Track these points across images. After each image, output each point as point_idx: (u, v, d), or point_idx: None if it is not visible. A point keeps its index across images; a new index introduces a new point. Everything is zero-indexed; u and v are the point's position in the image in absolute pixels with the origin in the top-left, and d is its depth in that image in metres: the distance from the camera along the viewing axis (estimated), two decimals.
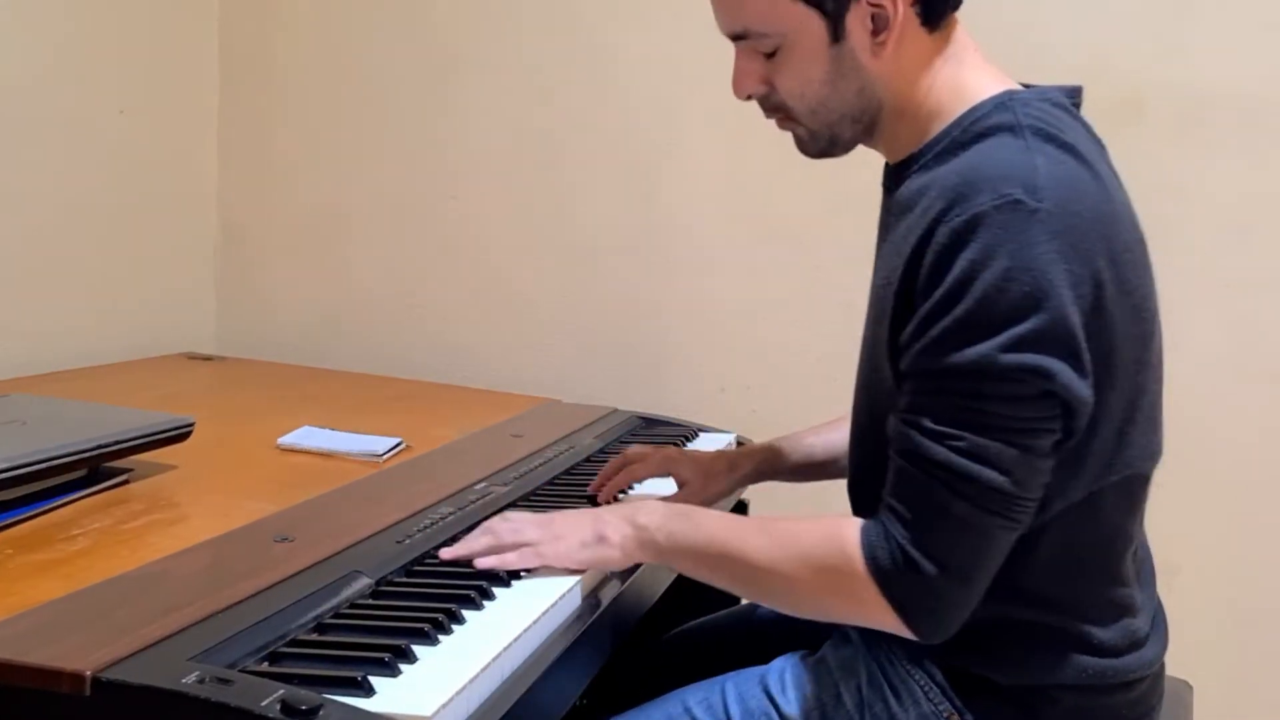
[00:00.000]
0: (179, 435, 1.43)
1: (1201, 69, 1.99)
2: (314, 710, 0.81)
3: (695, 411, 2.12)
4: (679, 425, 1.96)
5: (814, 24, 1.11)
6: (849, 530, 1.07)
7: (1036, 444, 1.02)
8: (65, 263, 2.17)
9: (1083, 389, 1.01)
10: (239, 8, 2.50)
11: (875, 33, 1.11)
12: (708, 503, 1.44)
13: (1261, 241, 2.00)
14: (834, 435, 1.48)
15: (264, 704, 0.81)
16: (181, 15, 2.42)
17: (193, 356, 2.34)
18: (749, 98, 1.19)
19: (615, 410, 2.02)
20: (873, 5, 1.10)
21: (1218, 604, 2.04)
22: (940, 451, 1.02)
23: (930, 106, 1.13)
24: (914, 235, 1.06)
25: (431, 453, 1.64)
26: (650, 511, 1.18)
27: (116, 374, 2.06)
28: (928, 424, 1.03)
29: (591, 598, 1.20)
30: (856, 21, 1.10)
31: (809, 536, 1.09)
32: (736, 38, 1.16)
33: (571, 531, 1.19)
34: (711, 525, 1.15)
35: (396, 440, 1.63)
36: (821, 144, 1.19)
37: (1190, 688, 1.41)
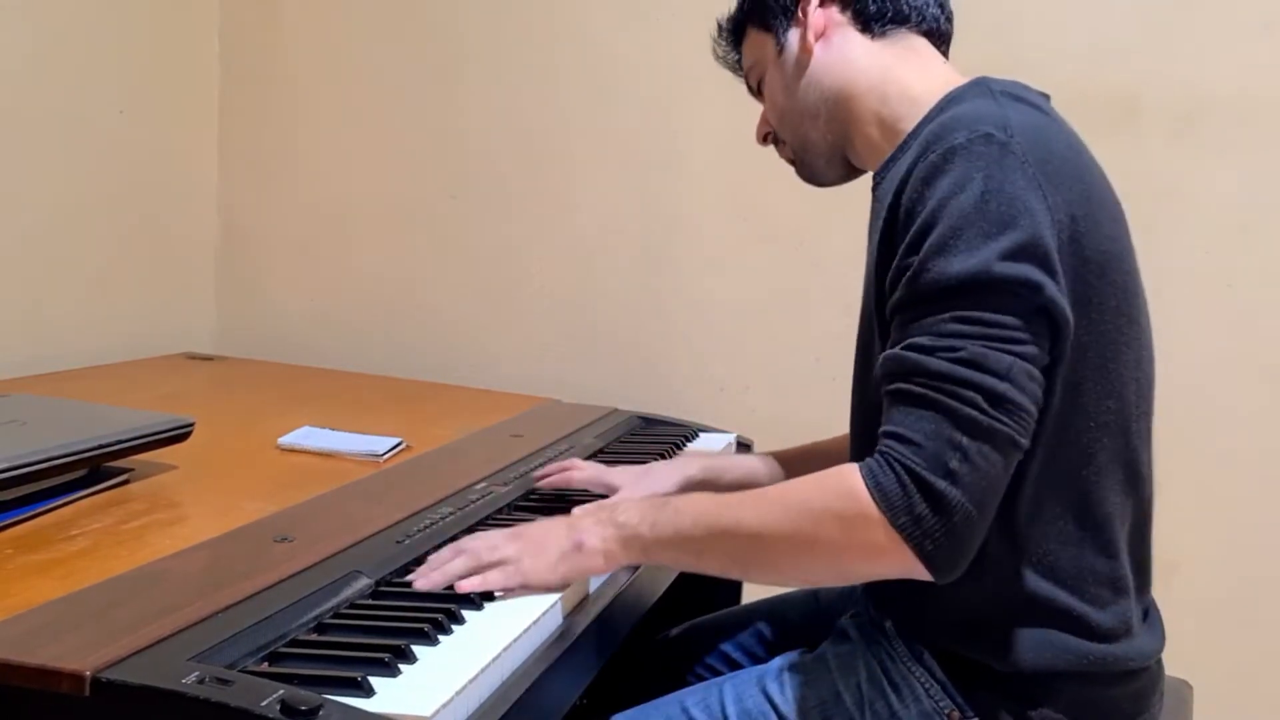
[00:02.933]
0: (179, 435, 1.43)
1: (1199, 68, 1.99)
2: (314, 710, 0.81)
3: (695, 411, 2.12)
4: (679, 425, 1.96)
5: (768, 44, 1.31)
6: (847, 472, 1.02)
7: (1032, 353, 1.02)
8: (65, 263, 2.17)
9: (1065, 309, 1.03)
10: (239, 8, 2.50)
11: (802, 36, 1.27)
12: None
13: (1260, 241, 2.00)
14: (788, 453, 1.51)
15: (264, 704, 0.81)
16: (181, 15, 2.42)
17: (193, 356, 2.34)
18: (765, 140, 1.38)
19: (615, 410, 2.02)
20: (801, 17, 1.27)
21: (1218, 604, 2.04)
22: (938, 363, 1.00)
23: (901, 100, 1.21)
24: (894, 185, 1.10)
25: (431, 453, 1.64)
26: (628, 508, 1.14)
27: (116, 374, 2.06)
28: (924, 341, 1.02)
29: (591, 598, 1.19)
30: (793, 34, 1.29)
31: (805, 488, 1.05)
32: (750, 89, 1.37)
33: (549, 542, 1.13)
34: (696, 506, 1.10)
35: (396, 440, 1.64)
36: (802, 156, 1.33)
37: (1190, 687, 1.41)
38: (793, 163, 1.35)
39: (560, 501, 1.44)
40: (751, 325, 2.25)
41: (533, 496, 1.46)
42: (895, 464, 0.99)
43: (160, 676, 0.84)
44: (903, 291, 1.05)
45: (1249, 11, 1.97)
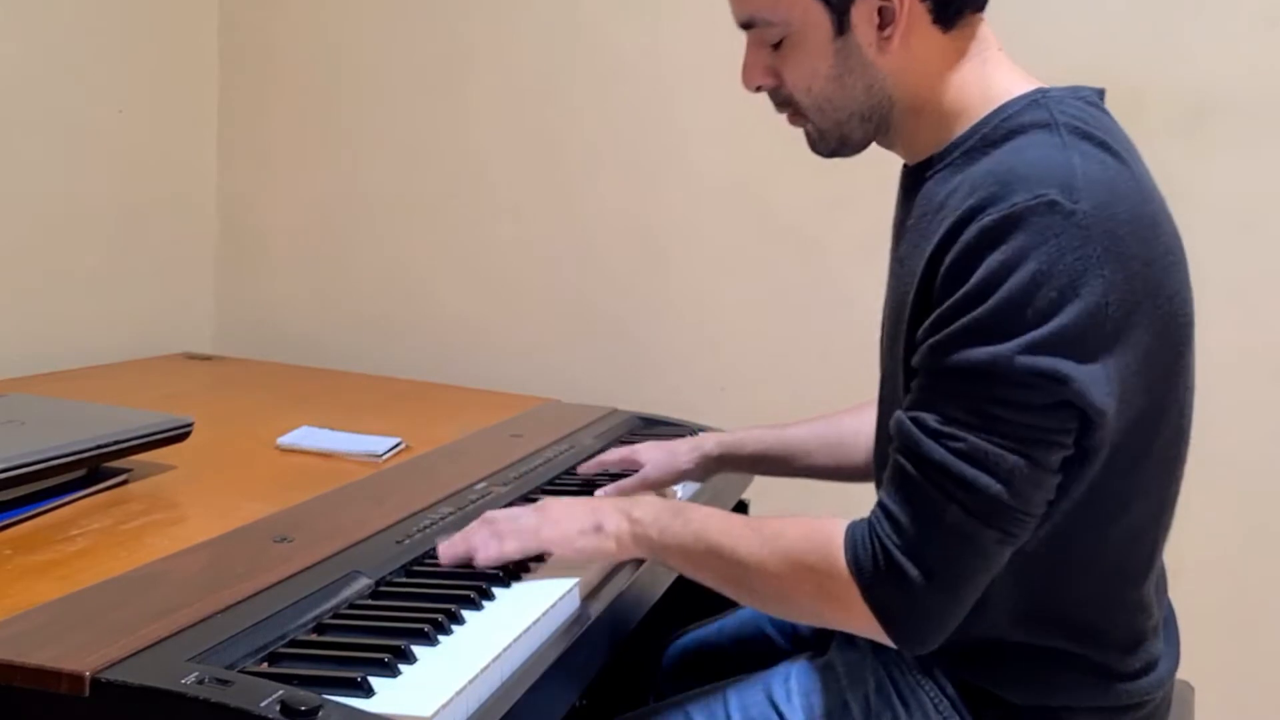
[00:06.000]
0: (178, 435, 1.42)
1: (1203, 67, 1.99)
2: (313, 711, 0.81)
3: (696, 411, 2.12)
4: (679, 425, 1.96)
5: (819, 16, 1.09)
6: (833, 529, 1.04)
7: (1043, 456, 0.98)
8: (65, 263, 2.17)
9: (1103, 398, 0.97)
10: (239, 7, 2.49)
11: (881, 27, 1.08)
12: (673, 480, 1.50)
13: (1263, 240, 2.00)
14: (801, 431, 1.49)
15: (263, 704, 0.81)
16: (181, 15, 2.41)
17: (192, 356, 2.33)
18: (758, 89, 1.17)
19: (615, 410, 2.02)
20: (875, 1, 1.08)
21: (1221, 605, 2.04)
22: (939, 451, 0.98)
23: (953, 106, 1.10)
24: (939, 232, 1.02)
25: (431, 453, 1.63)
26: (646, 506, 1.17)
27: (116, 374, 2.06)
28: (931, 422, 0.99)
29: (591, 598, 1.19)
30: (862, 16, 1.08)
31: (794, 534, 1.06)
32: (745, 26, 1.14)
33: (569, 518, 1.18)
34: (701, 521, 1.13)
35: (396, 440, 1.63)
36: (831, 143, 1.16)
37: (1192, 688, 1.41)
38: (802, 128, 1.18)
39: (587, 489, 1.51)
40: (753, 324, 2.24)
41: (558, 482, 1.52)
42: (876, 539, 1.01)
43: (160, 677, 0.84)
44: (926, 357, 1.01)
45: (1255, 9, 1.97)
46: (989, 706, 1.11)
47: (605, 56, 2.30)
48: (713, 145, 2.24)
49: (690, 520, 1.13)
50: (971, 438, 0.97)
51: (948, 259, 1.00)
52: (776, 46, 1.13)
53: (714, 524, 1.12)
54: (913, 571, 0.99)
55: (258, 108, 2.51)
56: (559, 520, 1.18)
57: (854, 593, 1.01)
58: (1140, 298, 0.99)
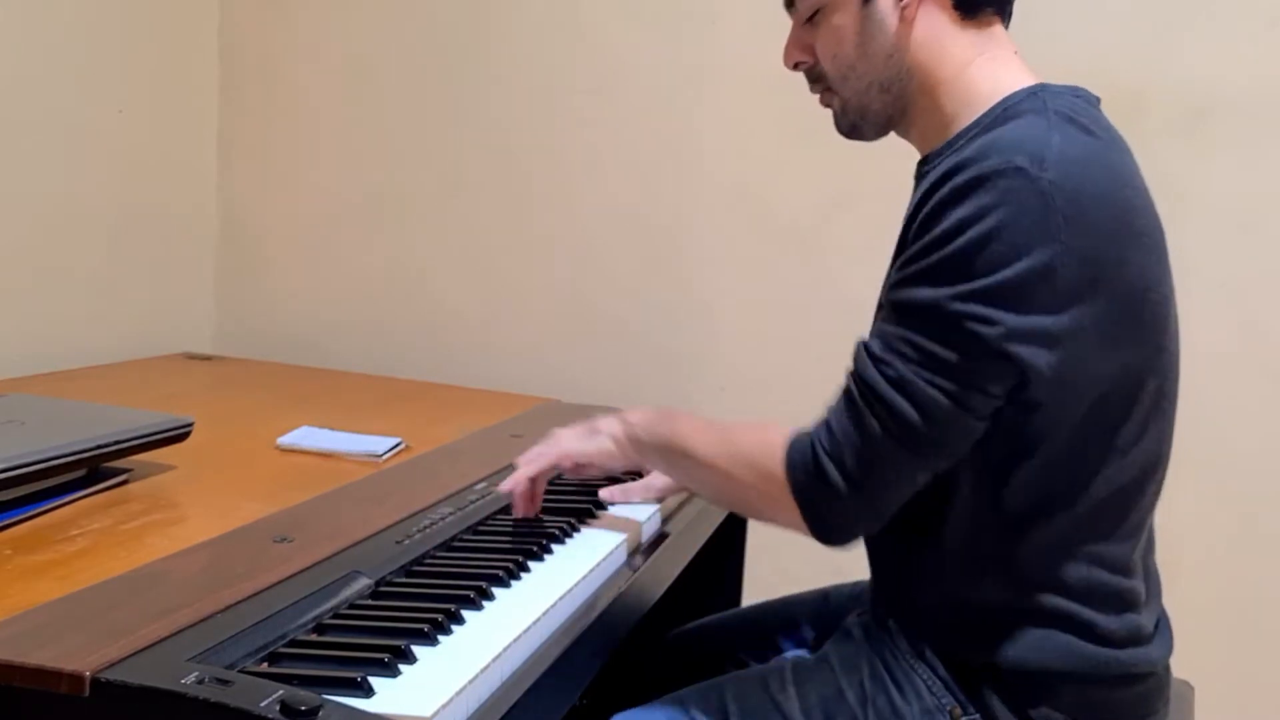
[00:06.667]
0: (178, 435, 1.43)
1: (1203, 67, 1.99)
2: (313, 711, 0.81)
3: (695, 411, 2.11)
4: None
5: None
6: (780, 434, 1.14)
7: (966, 398, 1.04)
8: (65, 263, 2.17)
9: (1036, 353, 1.03)
10: (239, 7, 2.50)
11: None
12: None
13: (1262, 241, 2.00)
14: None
15: (263, 704, 0.81)
16: (181, 15, 2.41)
17: (192, 356, 2.33)
18: (795, 67, 1.26)
19: (615, 410, 2.02)
20: None
21: (1220, 604, 2.04)
22: (871, 373, 1.07)
23: (963, 96, 1.17)
24: (920, 193, 1.10)
25: (431, 453, 1.64)
26: (640, 412, 1.30)
27: (116, 374, 2.06)
28: (874, 348, 1.09)
29: (592, 598, 1.20)
30: None
31: (746, 436, 1.17)
32: (788, 4, 1.25)
33: (569, 433, 1.36)
34: (678, 425, 1.24)
35: (396, 440, 1.63)
36: (852, 116, 1.24)
37: (1192, 688, 1.41)
38: (829, 106, 1.26)
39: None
40: (752, 324, 2.24)
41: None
42: (811, 439, 1.11)
43: (160, 677, 0.84)
44: (886, 292, 1.11)
45: (1255, 9, 1.97)
46: (981, 684, 1.13)
47: (605, 56, 2.30)
48: (713, 145, 2.24)
49: (670, 423, 1.26)
50: (901, 366, 1.06)
51: (922, 212, 1.08)
52: (811, 20, 1.22)
53: (687, 426, 1.24)
54: (834, 474, 1.08)
55: (258, 108, 2.51)
56: (561, 437, 1.35)
57: (784, 488, 1.11)
58: (1103, 269, 1.05)
